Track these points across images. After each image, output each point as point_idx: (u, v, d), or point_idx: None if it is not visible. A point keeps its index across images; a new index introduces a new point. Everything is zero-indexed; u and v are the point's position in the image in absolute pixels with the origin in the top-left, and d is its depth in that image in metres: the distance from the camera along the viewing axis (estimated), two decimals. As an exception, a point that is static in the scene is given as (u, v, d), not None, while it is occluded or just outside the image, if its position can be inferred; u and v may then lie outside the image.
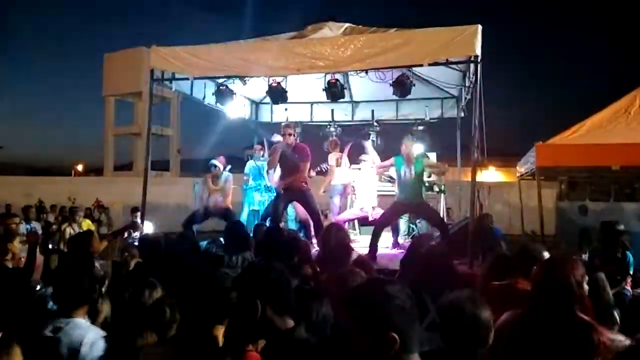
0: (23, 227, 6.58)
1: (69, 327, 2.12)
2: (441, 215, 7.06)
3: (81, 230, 7.09)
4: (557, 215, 11.25)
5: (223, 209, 6.58)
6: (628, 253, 4.48)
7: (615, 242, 4.50)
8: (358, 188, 7.17)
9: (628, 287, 4.34)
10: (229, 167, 6.84)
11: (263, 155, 8.09)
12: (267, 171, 7.39)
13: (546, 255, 2.59)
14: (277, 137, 6.32)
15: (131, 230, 7.24)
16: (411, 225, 7.30)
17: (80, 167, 39.75)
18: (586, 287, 2.00)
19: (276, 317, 1.73)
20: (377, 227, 6.10)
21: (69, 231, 8.05)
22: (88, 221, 8.48)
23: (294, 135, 6.16)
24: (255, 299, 1.72)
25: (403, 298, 1.30)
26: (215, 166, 6.64)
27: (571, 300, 1.92)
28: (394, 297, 1.29)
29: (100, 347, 2.10)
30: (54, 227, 8.96)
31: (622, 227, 4.56)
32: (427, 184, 7.06)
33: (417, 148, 6.37)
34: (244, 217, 7.50)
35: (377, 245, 5.82)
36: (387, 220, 6.25)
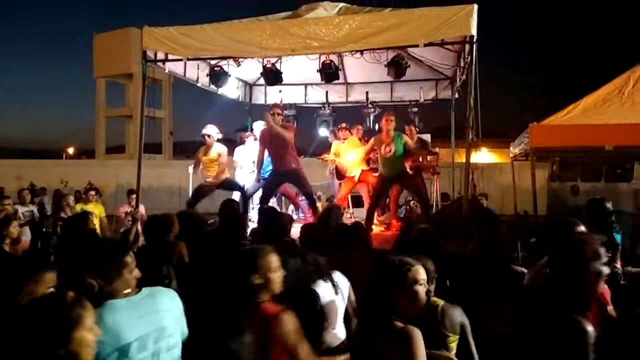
0: (20, 210, 6.53)
1: None
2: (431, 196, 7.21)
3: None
4: (549, 196, 11.36)
5: (221, 182, 6.42)
6: (615, 235, 4.45)
7: (604, 221, 4.48)
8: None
9: (618, 265, 4.40)
10: (220, 135, 6.58)
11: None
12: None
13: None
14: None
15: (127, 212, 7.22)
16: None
17: (71, 150, 39.42)
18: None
19: None
20: (370, 206, 6.19)
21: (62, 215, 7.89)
22: (100, 206, 7.79)
23: (282, 115, 6.20)
24: None
25: None
26: (209, 135, 6.42)
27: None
28: None
29: None
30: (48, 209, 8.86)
31: (610, 205, 4.52)
32: None
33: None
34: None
35: (371, 227, 5.87)
36: (377, 197, 6.29)
